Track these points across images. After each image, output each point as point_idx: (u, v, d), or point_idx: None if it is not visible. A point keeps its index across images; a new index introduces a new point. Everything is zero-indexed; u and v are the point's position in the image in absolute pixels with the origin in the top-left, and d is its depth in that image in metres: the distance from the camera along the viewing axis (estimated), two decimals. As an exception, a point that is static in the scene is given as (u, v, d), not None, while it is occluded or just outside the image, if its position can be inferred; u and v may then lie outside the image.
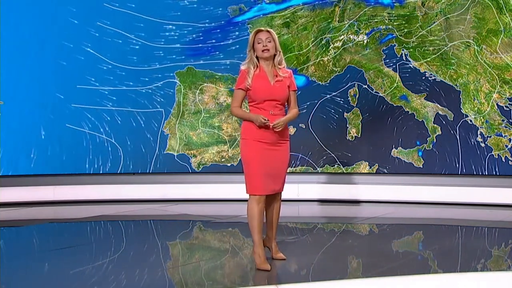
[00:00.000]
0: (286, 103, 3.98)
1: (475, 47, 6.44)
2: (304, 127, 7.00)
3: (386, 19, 6.74)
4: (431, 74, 6.62)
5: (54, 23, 6.99)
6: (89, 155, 7.11)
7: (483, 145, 6.48)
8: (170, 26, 7.14)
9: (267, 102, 3.85)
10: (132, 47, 7.13)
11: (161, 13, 7.13)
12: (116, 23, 7.09)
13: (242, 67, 3.93)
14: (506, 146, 6.40)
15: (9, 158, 6.91)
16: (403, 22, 6.68)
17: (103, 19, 7.08)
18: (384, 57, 6.77)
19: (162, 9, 7.13)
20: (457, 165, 6.58)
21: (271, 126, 3.79)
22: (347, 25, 6.86)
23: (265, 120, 3.77)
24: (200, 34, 7.15)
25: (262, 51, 3.85)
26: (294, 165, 6.97)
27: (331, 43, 6.91)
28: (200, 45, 7.16)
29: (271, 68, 3.91)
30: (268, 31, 3.89)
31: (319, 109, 6.99)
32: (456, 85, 6.55)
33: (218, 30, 7.12)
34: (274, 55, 3.90)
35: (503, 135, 6.41)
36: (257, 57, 3.90)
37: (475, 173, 6.53)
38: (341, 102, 6.93)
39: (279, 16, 7.03)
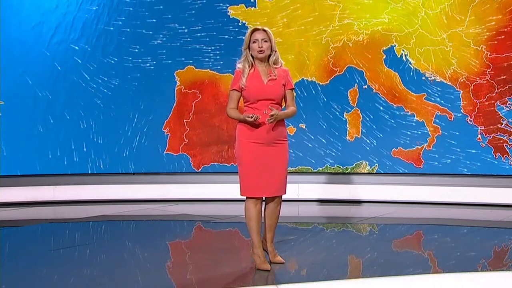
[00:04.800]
0: (283, 103, 3.95)
1: (475, 47, 6.44)
2: (304, 127, 7.00)
3: (386, 19, 6.73)
4: (431, 74, 6.62)
5: (54, 22, 7.02)
6: (89, 155, 7.11)
7: (483, 145, 6.47)
8: (171, 25, 7.14)
9: (261, 102, 3.82)
10: (132, 46, 7.14)
11: (162, 12, 7.13)
12: (115, 22, 7.09)
13: (238, 66, 3.92)
14: (506, 146, 6.39)
15: (9, 158, 6.92)
16: (403, 22, 6.68)
17: (103, 18, 7.08)
18: (384, 57, 6.76)
19: (163, 9, 7.13)
20: (457, 165, 6.57)
21: (266, 119, 3.75)
22: (347, 25, 6.85)
23: (250, 117, 3.73)
24: (200, 33, 7.14)
25: (258, 51, 3.83)
26: (294, 165, 6.97)
27: (331, 43, 6.90)
28: (200, 44, 7.16)
29: (266, 67, 3.89)
30: (264, 31, 3.87)
31: (319, 109, 6.98)
32: (456, 85, 6.54)
33: (219, 30, 7.12)
34: (270, 55, 3.89)
35: (503, 135, 6.40)
36: (252, 56, 3.88)
37: (475, 173, 6.52)
38: (341, 102, 6.92)
39: (280, 16, 7.02)
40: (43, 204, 6.89)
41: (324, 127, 6.98)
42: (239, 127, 3.88)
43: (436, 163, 6.64)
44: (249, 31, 3.92)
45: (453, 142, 6.58)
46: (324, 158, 7.00)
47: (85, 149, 7.10)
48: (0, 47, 6.85)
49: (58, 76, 7.03)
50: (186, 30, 7.14)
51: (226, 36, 7.08)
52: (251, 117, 3.73)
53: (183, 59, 7.16)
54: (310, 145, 7.01)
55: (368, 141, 6.86)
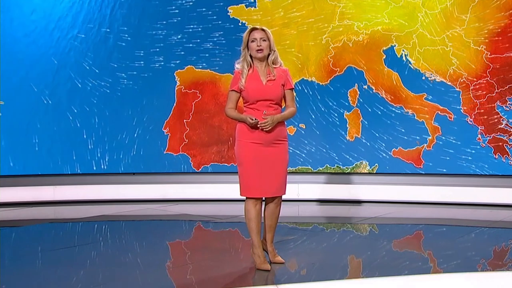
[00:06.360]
0: (283, 103, 3.95)
1: (475, 47, 6.44)
2: (304, 127, 7.01)
3: (386, 19, 6.74)
4: (431, 74, 6.62)
5: (54, 23, 7.02)
6: (89, 155, 7.11)
7: (483, 145, 6.47)
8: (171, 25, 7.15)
9: (260, 102, 3.81)
10: (132, 45, 7.13)
11: (162, 12, 7.14)
12: (115, 23, 7.10)
13: (237, 66, 3.90)
14: (506, 146, 6.39)
15: (9, 158, 6.91)
16: (403, 22, 6.68)
17: (104, 18, 7.09)
18: (384, 57, 6.76)
19: (163, 9, 7.13)
20: (458, 165, 6.57)
21: (258, 125, 3.76)
22: (347, 25, 6.85)
23: (252, 120, 3.74)
24: (200, 33, 7.14)
25: (256, 51, 3.81)
26: (294, 165, 6.97)
27: (331, 43, 6.90)
28: (200, 44, 7.15)
29: (265, 67, 3.87)
30: (263, 30, 3.85)
31: (319, 109, 6.98)
32: (456, 85, 6.54)
33: (219, 30, 7.11)
34: (269, 54, 3.87)
35: (503, 135, 6.40)
36: (251, 56, 3.87)
37: (475, 173, 6.52)
38: (341, 102, 6.92)
39: (279, 16, 7.02)
40: (43, 204, 6.89)
41: (324, 127, 6.98)
42: (239, 127, 3.88)
43: (436, 163, 6.64)
44: (247, 30, 3.90)
45: (453, 142, 6.58)
46: (324, 158, 7.00)
47: (85, 149, 7.09)
48: (1, 47, 6.85)
49: (59, 75, 7.03)
50: (186, 30, 7.13)
51: (227, 36, 7.07)
52: (254, 120, 3.72)
53: (183, 58, 7.15)
54: (310, 145, 7.01)
55: (368, 141, 6.86)
